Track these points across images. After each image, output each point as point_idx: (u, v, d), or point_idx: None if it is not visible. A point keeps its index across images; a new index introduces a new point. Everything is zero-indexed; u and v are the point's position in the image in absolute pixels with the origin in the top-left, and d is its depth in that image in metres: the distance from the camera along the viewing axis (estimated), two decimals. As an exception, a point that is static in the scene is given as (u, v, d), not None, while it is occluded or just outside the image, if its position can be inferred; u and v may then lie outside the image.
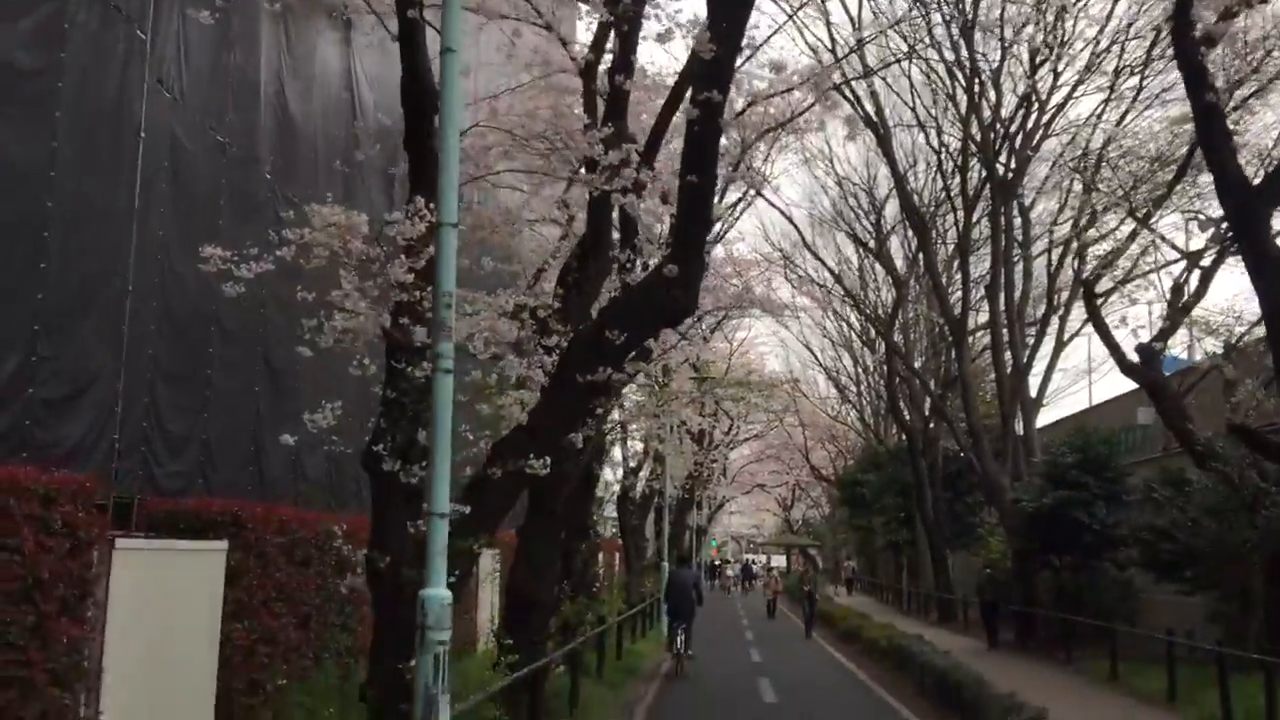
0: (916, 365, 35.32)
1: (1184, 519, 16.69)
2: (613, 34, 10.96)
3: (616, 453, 33.39)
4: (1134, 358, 17.64)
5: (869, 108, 24.79)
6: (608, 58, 11.23)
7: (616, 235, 11.56)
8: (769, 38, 16.35)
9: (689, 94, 8.23)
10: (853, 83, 24.04)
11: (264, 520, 10.56)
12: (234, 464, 12.52)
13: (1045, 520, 21.17)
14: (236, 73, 12.89)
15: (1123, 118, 22.09)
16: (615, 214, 11.07)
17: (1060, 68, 23.57)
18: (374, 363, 7.93)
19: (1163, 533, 17.47)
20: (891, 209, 32.37)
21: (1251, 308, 22.78)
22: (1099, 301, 18.32)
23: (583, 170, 9.36)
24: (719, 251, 27.08)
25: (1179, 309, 17.33)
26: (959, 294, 28.18)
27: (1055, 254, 25.27)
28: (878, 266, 34.91)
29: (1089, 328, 26.23)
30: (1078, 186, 23.51)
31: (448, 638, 5.53)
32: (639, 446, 32.41)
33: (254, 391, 13.08)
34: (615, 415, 19.60)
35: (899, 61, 22.77)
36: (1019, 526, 22.75)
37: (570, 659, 12.81)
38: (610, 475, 38.33)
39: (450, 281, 5.71)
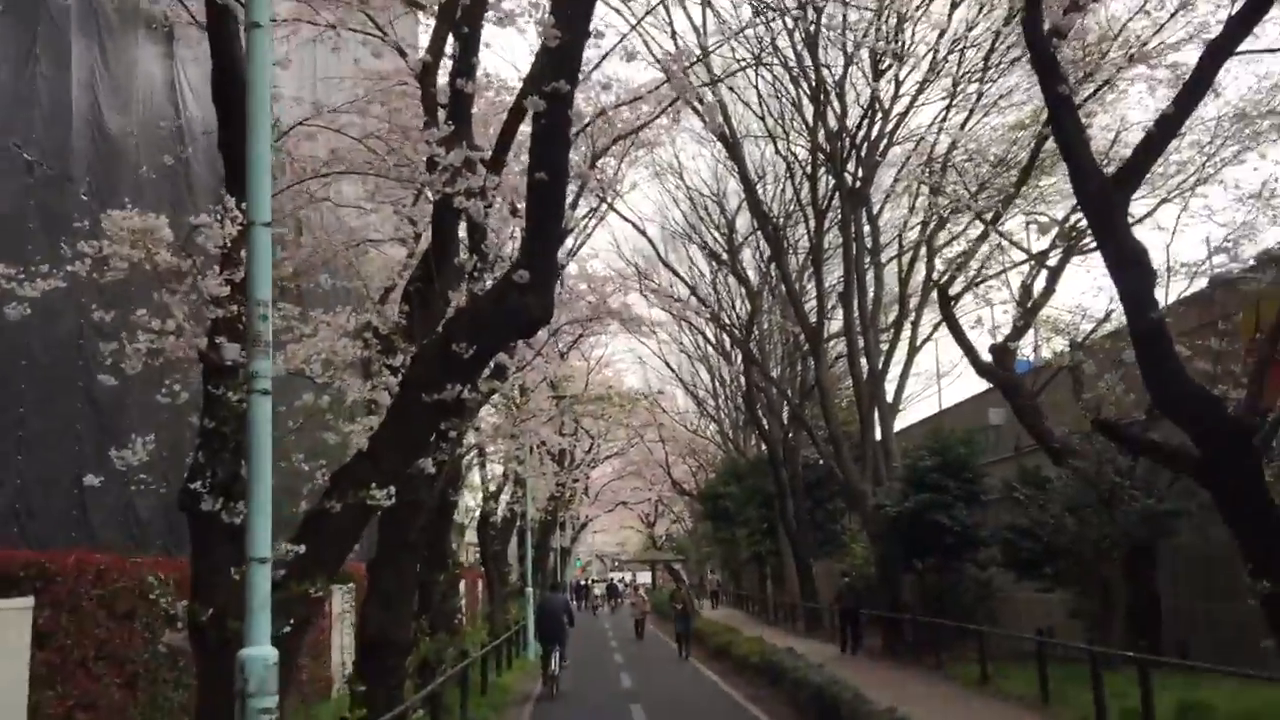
0: (773, 375, 35.45)
1: (1044, 517, 16.84)
2: (451, 36, 10.32)
3: (475, 477, 32.46)
4: (987, 358, 17.79)
5: (717, 118, 24.65)
6: (448, 63, 10.59)
7: (464, 247, 10.89)
8: (614, 46, 15.81)
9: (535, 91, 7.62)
10: (700, 90, 23.88)
11: (77, 571, 9.49)
12: (54, 510, 11.36)
13: (907, 524, 21.21)
14: (45, 87, 11.86)
15: (965, 122, 22.45)
16: (462, 223, 10.42)
17: (902, 75, 23.89)
18: (187, 389, 7.06)
19: (1024, 532, 17.63)
20: (743, 221, 32.45)
21: (1097, 305, 23.40)
22: (951, 304, 18.45)
23: (423, 173, 8.62)
24: (572, 267, 26.56)
25: (1028, 309, 17.54)
26: (813, 303, 28.31)
27: (906, 259, 25.57)
28: (732, 279, 34.94)
29: (940, 332, 26.71)
30: (925, 191, 23.83)
31: (274, 704, 4.77)
32: (498, 470, 31.53)
33: (74, 429, 11.94)
34: (471, 438, 18.78)
35: (744, 69, 22.66)
36: (882, 532, 22.79)
37: (430, 701, 11.97)
38: (470, 500, 37.29)
39: (265, 289, 4.97)
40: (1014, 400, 17.34)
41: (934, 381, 65.49)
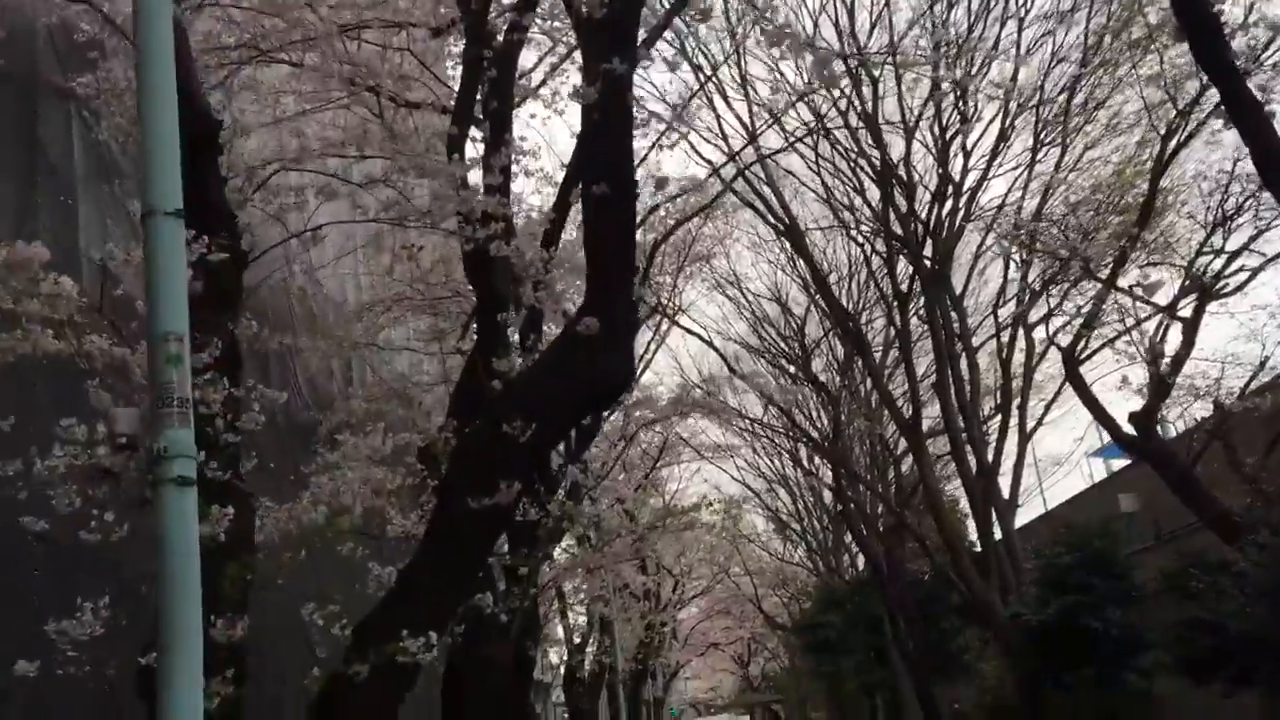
0: (861, 487, 32.90)
1: (1230, 606, 14.14)
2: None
3: (558, 629, 30.12)
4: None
5: (780, 213, 22.96)
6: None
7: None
8: (660, 135, 14.30)
9: (580, 83, 5.79)
10: (758, 184, 22.38)
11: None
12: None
13: (1053, 634, 18.42)
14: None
15: (1049, 184, 20.51)
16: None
17: (970, 145, 22.09)
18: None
19: (1202, 625, 14.90)
20: (811, 328, 30.44)
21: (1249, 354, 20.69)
22: (1078, 367, 16.12)
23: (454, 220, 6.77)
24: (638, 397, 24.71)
25: (1168, 368, 15.22)
26: (902, 401, 25.97)
27: (1006, 337, 23.25)
28: (807, 388, 32.73)
29: (1054, 412, 24.28)
30: (1016, 260, 21.82)
31: None
32: (581, 620, 29.21)
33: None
34: (546, 572, 16.63)
35: (801, 140, 20.94)
36: (1021, 646, 19.95)
37: None
38: (554, 656, 34.73)
39: (178, 315, 3.03)
40: (1168, 473, 14.89)
41: (1050, 472, 59.61)
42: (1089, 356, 16.17)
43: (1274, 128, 8.30)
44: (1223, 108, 8.31)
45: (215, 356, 4.82)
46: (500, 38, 8.74)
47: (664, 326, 25.63)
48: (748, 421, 34.49)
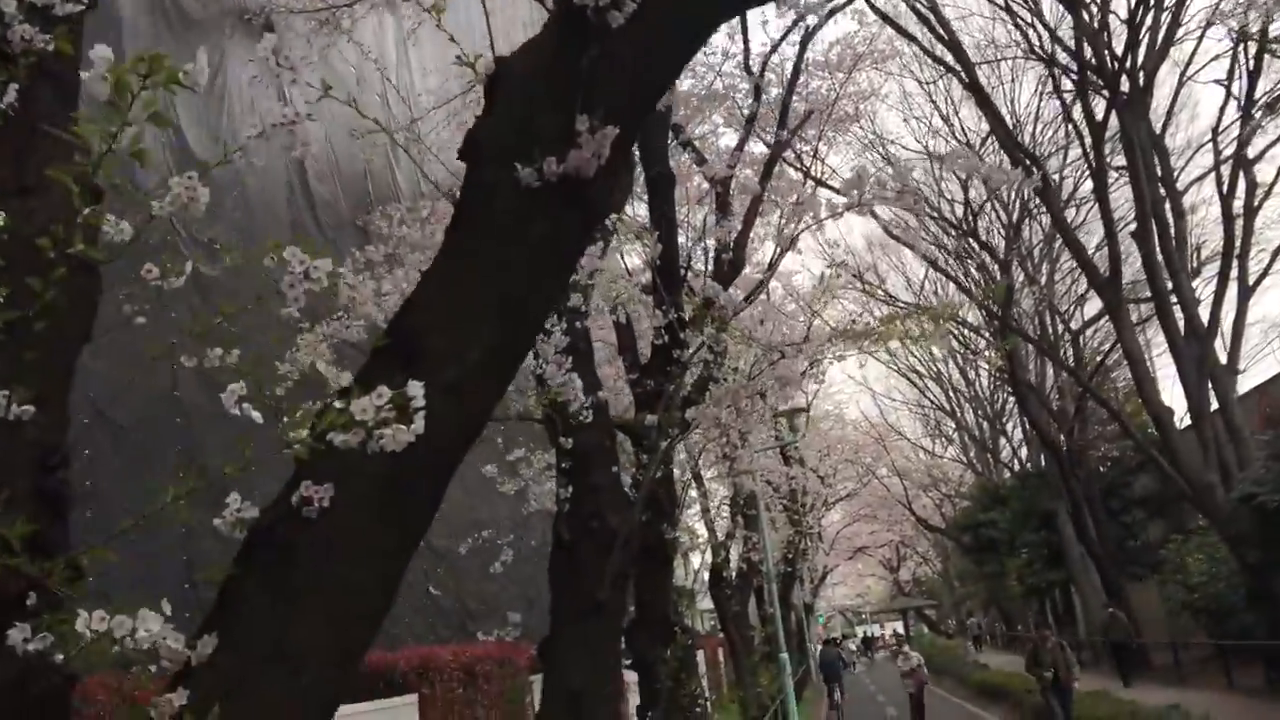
0: (1032, 368, 29.57)
1: None
2: None
3: (699, 527, 27.99)
4: None
5: (945, 40, 19.56)
6: None
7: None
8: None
9: None
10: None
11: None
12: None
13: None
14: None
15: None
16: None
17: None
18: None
19: None
20: (974, 190, 27.01)
21: None
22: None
23: None
24: (775, 287, 21.93)
25: None
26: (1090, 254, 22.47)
27: (1226, 172, 19.47)
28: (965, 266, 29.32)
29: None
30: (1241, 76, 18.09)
31: None
32: (724, 522, 26.93)
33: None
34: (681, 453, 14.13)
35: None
36: (1249, 532, 16.82)
37: None
38: (696, 560, 32.75)
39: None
40: None
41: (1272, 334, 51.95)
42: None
43: None
44: None
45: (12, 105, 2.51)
46: None
47: (809, 190, 22.76)
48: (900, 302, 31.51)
